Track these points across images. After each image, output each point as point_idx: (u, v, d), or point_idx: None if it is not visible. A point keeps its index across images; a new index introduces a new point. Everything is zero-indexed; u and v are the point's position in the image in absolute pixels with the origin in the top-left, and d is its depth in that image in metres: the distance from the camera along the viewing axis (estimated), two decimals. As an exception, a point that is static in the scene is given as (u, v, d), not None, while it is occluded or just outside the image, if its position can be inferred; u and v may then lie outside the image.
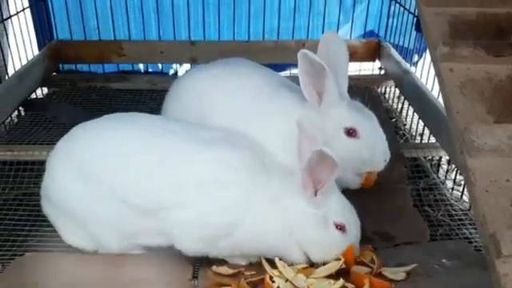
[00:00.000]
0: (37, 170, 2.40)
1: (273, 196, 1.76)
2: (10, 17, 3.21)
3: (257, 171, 1.77)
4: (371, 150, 1.99)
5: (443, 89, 1.28)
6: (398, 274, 1.78)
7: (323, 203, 1.74)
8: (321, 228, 1.75)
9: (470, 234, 2.18)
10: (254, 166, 1.78)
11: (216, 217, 1.73)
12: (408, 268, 1.79)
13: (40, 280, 1.77)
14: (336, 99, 1.95)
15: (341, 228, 1.76)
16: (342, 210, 1.79)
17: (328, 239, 1.76)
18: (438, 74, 1.33)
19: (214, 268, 1.78)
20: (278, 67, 3.42)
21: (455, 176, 2.58)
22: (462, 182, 2.52)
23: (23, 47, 3.27)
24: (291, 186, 1.76)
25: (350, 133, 1.96)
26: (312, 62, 1.87)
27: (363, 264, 1.81)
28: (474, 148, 1.20)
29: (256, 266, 1.82)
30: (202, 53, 3.52)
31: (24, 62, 3.26)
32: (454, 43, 1.32)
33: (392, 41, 3.68)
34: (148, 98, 3.35)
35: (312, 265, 1.79)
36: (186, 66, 3.77)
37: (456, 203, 2.42)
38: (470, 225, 2.24)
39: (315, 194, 1.73)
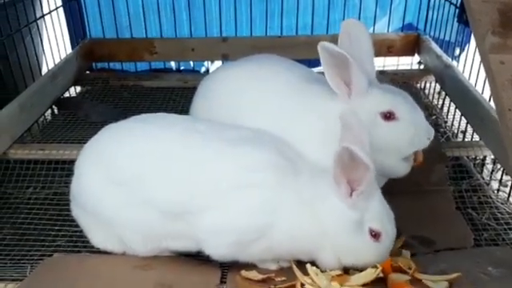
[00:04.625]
0: (68, 169, 2.38)
1: (304, 196, 1.67)
2: (43, 16, 3.24)
3: (285, 171, 1.69)
4: (412, 130, 1.87)
5: (493, 83, 1.15)
6: (439, 282, 1.66)
7: (360, 205, 1.64)
8: (354, 232, 1.64)
9: (519, 239, 2.04)
10: (281, 165, 1.70)
11: (244, 220, 1.65)
12: (450, 277, 1.66)
13: (67, 282, 1.74)
14: (365, 86, 1.85)
15: (375, 235, 1.65)
16: (380, 217, 1.67)
17: (359, 245, 1.65)
18: (486, 67, 1.20)
19: (243, 273, 1.71)
20: (311, 63, 3.33)
21: (501, 176, 2.43)
22: (509, 183, 2.38)
23: (56, 46, 3.30)
24: (325, 185, 1.67)
25: (388, 116, 1.85)
26: (333, 53, 1.78)
27: (400, 270, 1.70)
28: (529, 150, 1.07)
29: (287, 271, 1.73)
30: (233, 49, 3.47)
31: (57, 60, 3.28)
32: (504, 33, 1.19)
33: (432, 34, 3.52)
34: (179, 95, 3.33)
35: (347, 272, 1.69)
36: (218, 64, 3.73)
37: (502, 206, 2.28)
38: (518, 229, 2.10)
39: (350, 195, 1.63)
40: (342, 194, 1.63)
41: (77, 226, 1.96)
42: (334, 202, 1.65)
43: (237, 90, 2.08)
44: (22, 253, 2.00)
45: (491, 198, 2.33)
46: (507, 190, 2.37)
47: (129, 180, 1.73)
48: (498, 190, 2.41)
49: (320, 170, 1.72)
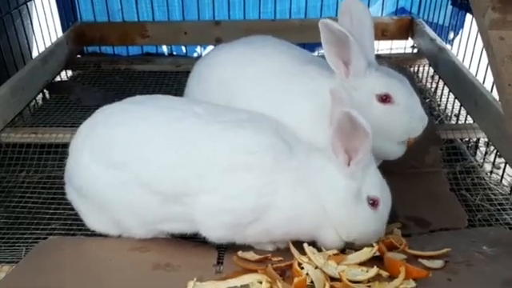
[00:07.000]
0: (61, 152, 2.38)
1: (300, 175, 1.66)
2: (34, -2, 3.19)
3: (282, 152, 1.69)
4: (408, 114, 1.87)
5: (493, 59, 1.15)
6: (434, 261, 1.67)
7: (357, 175, 1.64)
8: (353, 202, 1.64)
9: (512, 219, 2.06)
10: (278, 147, 1.69)
11: (241, 201, 1.64)
12: (440, 252, 1.69)
13: (63, 264, 1.73)
14: (364, 67, 1.84)
15: (373, 203, 1.65)
16: (377, 184, 1.68)
17: (358, 215, 1.65)
18: (486, 43, 1.20)
19: (240, 253, 1.71)
20: (305, 47, 3.30)
21: (494, 158, 2.45)
22: (502, 165, 2.39)
23: (47, 29, 3.25)
24: (321, 159, 1.67)
25: (384, 99, 1.84)
26: (333, 30, 1.76)
27: (391, 245, 1.72)
28: (528, 126, 1.07)
29: (283, 251, 1.74)
30: (226, 33, 3.44)
31: (48, 44, 3.23)
32: (504, 8, 1.18)
33: (425, 18, 3.51)
34: (172, 79, 3.31)
35: (343, 251, 1.70)
36: (210, 49, 3.70)
37: (495, 187, 2.30)
38: (511, 210, 2.12)
39: (348, 164, 1.63)
40: (340, 163, 1.63)
41: (71, 209, 1.94)
42: (332, 172, 1.64)
43: (232, 73, 2.05)
44: (16, 236, 1.99)
45: (484, 179, 2.35)
46: (500, 171, 2.38)
47: (125, 162, 1.71)
48: (491, 172, 2.43)
49: (316, 148, 1.72)
